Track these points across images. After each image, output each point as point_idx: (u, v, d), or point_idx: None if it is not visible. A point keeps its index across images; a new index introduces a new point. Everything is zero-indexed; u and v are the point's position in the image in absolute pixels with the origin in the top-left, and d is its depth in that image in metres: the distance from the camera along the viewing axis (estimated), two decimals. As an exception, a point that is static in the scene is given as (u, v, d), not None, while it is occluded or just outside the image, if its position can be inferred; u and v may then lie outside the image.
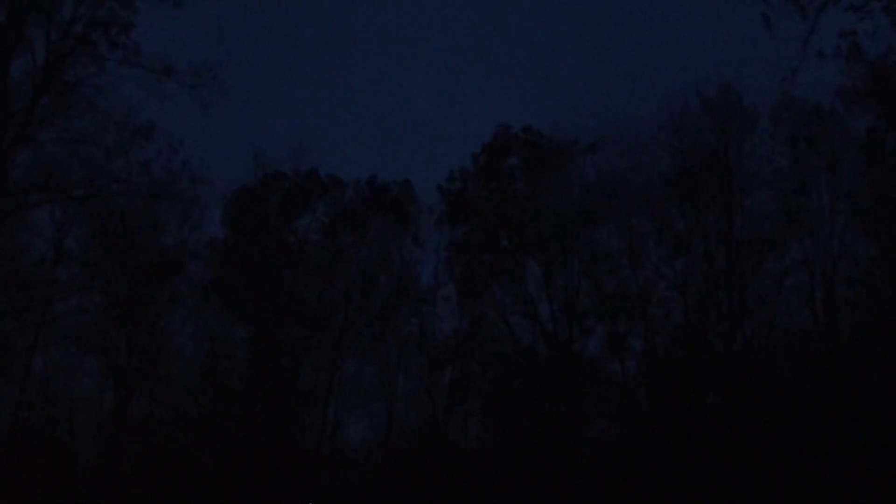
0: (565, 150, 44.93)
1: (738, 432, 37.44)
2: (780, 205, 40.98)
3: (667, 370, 40.50)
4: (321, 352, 46.28)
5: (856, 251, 39.09)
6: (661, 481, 38.87)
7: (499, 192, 45.38)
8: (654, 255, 42.28)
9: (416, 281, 47.16)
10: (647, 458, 40.30)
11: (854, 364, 36.77)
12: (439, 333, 46.08)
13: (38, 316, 38.17)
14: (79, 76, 26.62)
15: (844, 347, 37.93)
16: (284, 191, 46.98)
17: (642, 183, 42.27)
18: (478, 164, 45.90)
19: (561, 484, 39.97)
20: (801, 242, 40.50)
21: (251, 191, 46.74)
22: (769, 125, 40.86)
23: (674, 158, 42.03)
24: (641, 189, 42.20)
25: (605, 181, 43.12)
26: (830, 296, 39.50)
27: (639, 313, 41.94)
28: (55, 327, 40.28)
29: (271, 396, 45.24)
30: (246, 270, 45.98)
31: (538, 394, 42.87)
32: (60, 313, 39.84)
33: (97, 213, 39.15)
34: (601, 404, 42.66)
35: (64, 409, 41.54)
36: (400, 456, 45.37)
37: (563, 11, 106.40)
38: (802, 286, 40.34)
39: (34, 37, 26.29)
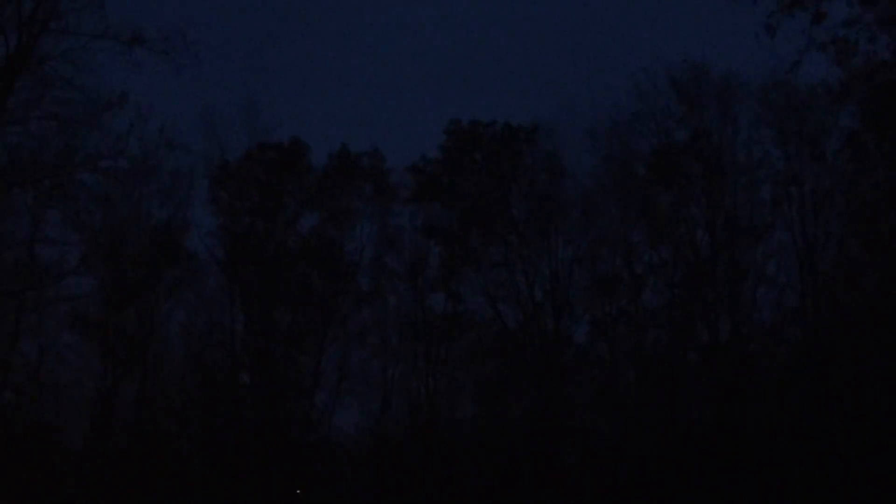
0: (517, 138, 44.08)
1: (724, 422, 36.78)
2: (766, 192, 40.16)
3: (653, 359, 39.77)
4: (310, 335, 45.45)
5: (841, 242, 38.21)
6: (646, 468, 38.12)
7: (465, 181, 44.41)
8: (636, 242, 41.58)
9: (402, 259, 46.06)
10: (632, 446, 39.57)
11: (836, 353, 36.10)
12: (427, 311, 45.14)
13: (23, 300, 37.52)
14: (52, 52, 25.75)
15: (827, 336, 37.19)
16: (269, 163, 45.45)
17: (621, 168, 41.51)
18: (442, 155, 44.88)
19: (548, 471, 39.35)
20: (788, 231, 39.61)
21: (237, 166, 45.35)
22: (756, 108, 39.72)
23: (653, 142, 41.15)
24: (620, 174, 41.43)
25: (560, 166, 42.49)
26: (815, 285, 38.65)
27: (625, 300, 41.16)
28: (45, 310, 39.67)
29: (262, 383, 44.57)
30: (248, 253, 45.07)
31: (525, 378, 42.15)
32: (49, 296, 39.06)
33: (73, 195, 38.22)
34: (587, 391, 41.99)
35: (52, 392, 40.91)
36: (391, 440, 44.65)
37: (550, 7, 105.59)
38: (789, 275, 39.52)
39: (6, 17, 25.60)
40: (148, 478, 39.43)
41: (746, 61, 41.20)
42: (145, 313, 44.25)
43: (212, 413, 43.11)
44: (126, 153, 30.11)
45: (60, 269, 39.27)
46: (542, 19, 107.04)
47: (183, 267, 45.44)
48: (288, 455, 42.24)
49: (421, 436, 43.54)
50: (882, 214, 30.68)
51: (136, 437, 42.13)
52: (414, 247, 45.86)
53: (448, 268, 43.76)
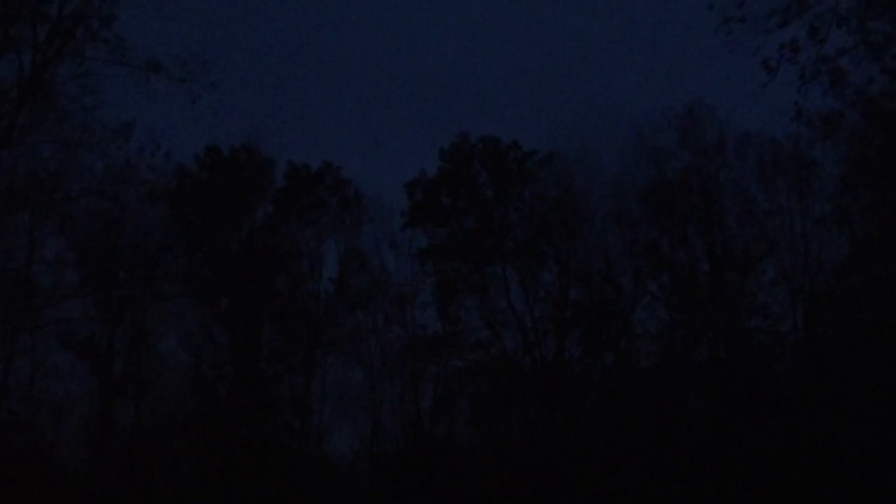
0: (525, 160, 43.69)
1: (721, 443, 36.67)
2: (754, 227, 40.30)
3: (650, 381, 39.66)
4: (300, 354, 44.79)
5: (832, 266, 38.40)
6: (645, 489, 37.86)
7: (467, 198, 43.74)
8: (631, 268, 41.51)
9: (391, 279, 45.27)
10: (631, 467, 39.30)
11: (830, 373, 36.21)
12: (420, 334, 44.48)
13: (22, 320, 36.72)
14: (65, 77, 25.07)
15: (820, 358, 37.32)
16: (225, 172, 44.58)
17: (616, 196, 41.57)
18: (442, 169, 44.15)
19: (548, 490, 38.96)
20: (778, 258, 39.77)
21: (193, 178, 44.56)
22: (734, 155, 40.43)
23: (649, 174, 41.27)
24: (616, 203, 41.50)
25: (568, 192, 42.31)
26: (808, 309, 38.77)
27: (622, 324, 40.99)
28: (41, 331, 38.82)
29: (255, 402, 43.83)
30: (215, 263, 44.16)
31: (524, 401, 41.78)
32: (46, 317, 38.23)
33: (75, 216, 37.39)
34: (586, 409, 41.76)
35: (47, 411, 40.09)
36: (385, 460, 44.06)
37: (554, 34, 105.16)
38: (782, 299, 39.60)
39: (20, 38, 24.92)
40: (145, 495, 38.70)
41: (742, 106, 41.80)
42: (139, 330, 43.48)
43: (209, 429, 42.30)
44: (134, 181, 29.84)
45: (59, 290, 38.72)
46: (542, 36, 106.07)
47: (172, 283, 44.71)
48: (283, 471, 41.63)
49: (415, 455, 42.95)
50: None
51: (132, 454, 41.35)
52: (379, 266, 45.27)
53: (444, 291, 43.16)
